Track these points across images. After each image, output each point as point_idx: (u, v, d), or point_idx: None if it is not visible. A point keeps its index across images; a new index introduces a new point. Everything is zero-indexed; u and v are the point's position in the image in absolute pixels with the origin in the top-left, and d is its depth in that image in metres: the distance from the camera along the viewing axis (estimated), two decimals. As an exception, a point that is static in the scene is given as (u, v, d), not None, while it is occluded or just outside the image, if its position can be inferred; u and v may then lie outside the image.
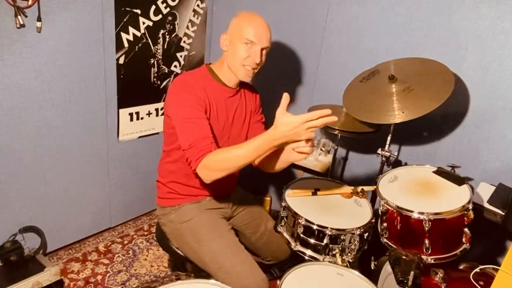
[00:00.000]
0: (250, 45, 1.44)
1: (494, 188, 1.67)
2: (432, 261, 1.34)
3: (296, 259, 1.46)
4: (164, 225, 1.63)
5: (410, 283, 1.17)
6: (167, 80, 2.40)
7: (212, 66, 1.57)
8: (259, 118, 1.72)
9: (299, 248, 1.46)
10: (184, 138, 1.38)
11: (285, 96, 1.18)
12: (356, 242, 1.42)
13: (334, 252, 1.41)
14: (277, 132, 1.19)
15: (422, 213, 1.32)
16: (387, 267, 1.44)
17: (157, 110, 2.40)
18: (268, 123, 2.49)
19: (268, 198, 2.61)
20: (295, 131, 1.16)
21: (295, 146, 1.26)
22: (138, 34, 2.14)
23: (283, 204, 1.53)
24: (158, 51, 2.29)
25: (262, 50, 1.46)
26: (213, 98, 1.49)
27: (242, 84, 1.64)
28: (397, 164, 2.08)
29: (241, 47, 1.44)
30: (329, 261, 1.36)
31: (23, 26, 1.68)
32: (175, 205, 1.60)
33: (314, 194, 1.60)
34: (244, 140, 1.64)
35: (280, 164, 1.45)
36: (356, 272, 1.24)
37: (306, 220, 1.41)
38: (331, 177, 2.19)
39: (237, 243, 1.53)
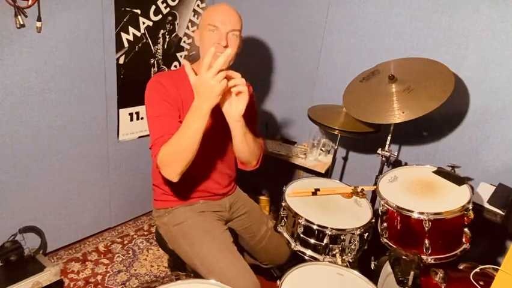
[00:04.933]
0: (215, 30, 1.41)
1: (494, 188, 1.68)
2: (432, 261, 1.34)
3: (296, 259, 1.46)
4: (159, 227, 1.63)
5: (410, 283, 1.17)
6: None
7: (192, 66, 1.53)
8: (249, 113, 1.56)
9: (299, 248, 1.46)
10: (150, 137, 1.40)
11: (186, 63, 1.28)
12: (356, 242, 1.42)
13: (334, 252, 1.41)
14: (196, 97, 1.25)
15: (422, 213, 1.32)
16: (387, 267, 1.44)
17: (157, 110, 2.40)
18: (267, 123, 2.52)
19: (267, 198, 2.61)
20: (207, 85, 1.21)
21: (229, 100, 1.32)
22: (138, 34, 2.14)
23: (283, 204, 1.53)
24: (158, 51, 2.29)
25: (228, 33, 1.41)
26: (190, 98, 1.36)
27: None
28: (397, 164, 2.08)
29: (208, 35, 1.42)
30: (329, 261, 1.36)
31: (23, 26, 1.68)
32: (169, 207, 1.59)
33: (314, 194, 1.60)
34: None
35: (238, 138, 1.44)
36: (356, 272, 1.24)
37: (306, 220, 1.41)
38: (331, 177, 2.19)
39: (229, 246, 1.50)
